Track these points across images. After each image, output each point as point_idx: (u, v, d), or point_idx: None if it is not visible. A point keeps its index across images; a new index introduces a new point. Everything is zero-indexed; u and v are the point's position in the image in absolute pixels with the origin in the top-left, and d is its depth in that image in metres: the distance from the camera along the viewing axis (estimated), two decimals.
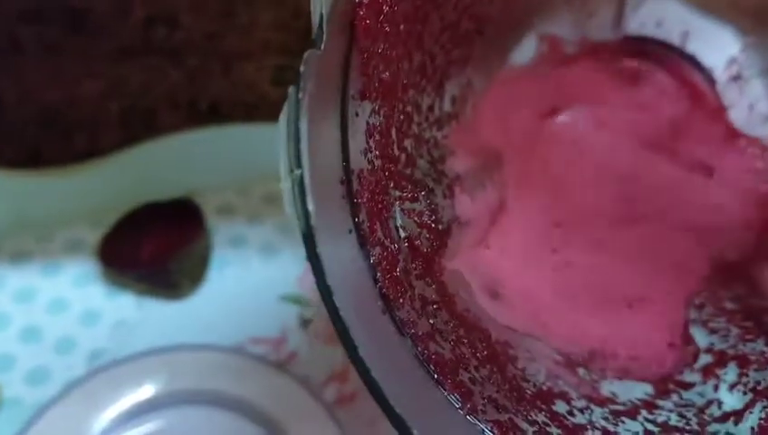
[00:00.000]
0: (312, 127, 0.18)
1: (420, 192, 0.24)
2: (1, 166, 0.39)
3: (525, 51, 0.34)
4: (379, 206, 0.21)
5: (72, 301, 0.41)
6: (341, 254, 0.19)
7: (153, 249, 0.41)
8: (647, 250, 0.31)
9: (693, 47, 0.34)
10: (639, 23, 0.34)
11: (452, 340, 0.22)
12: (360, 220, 0.19)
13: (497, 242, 0.31)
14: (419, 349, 0.20)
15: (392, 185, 0.22)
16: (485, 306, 0.28)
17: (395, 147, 0.23)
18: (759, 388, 0.25)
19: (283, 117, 0.18)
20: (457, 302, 0.25)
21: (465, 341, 0.23)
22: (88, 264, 0.42)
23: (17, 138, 0.39)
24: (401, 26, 0.22)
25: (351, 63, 0.19)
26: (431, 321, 0.22)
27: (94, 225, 0.42)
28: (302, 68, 0.17)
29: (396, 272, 0.21)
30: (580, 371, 0.27)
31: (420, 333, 0.21)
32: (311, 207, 0.17)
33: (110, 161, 0.40)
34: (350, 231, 0.19)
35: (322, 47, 0.18)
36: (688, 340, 0.29)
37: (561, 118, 0.34)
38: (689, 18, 0.33)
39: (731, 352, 0.26)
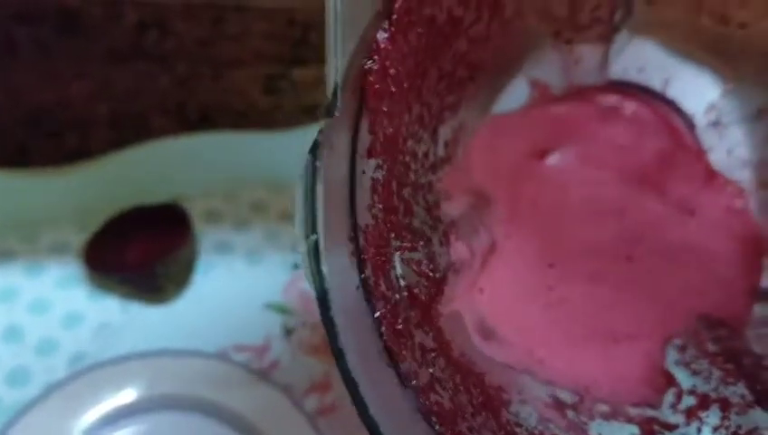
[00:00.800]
0: (325, 190, 0.18)
1: (419, 241, 0.25)
2: None
3: (515, 94, 0.35)
4: (383, 259, 0.22)
5: (54, 302, 0.40)
6: (350, 311, 0.19)
7: (139, 253, 0.41)
8: (634, 287, 0.32)
9: (673, 92, 0.35)
10: (622, 68, 0.35)
11: (450, 388, 0.23)
12: (367, 276, 0.20)
13: (489, 284, 0.31)
14: (421, 400, 0.21)
15: (393, 236, 0.23)
16: (481, 347, 0.28)
17: (395, 198, 0.24)
18: (740, 432, 0.26)
19: (300, 183, 0.18)
20: (453, 347, 0.25)
21: (462, 388, 0.24)
22: (72, 266, 0.41)
23: (6, 137, 0.39)
24: (404, 84, 0.23)
25: (360, 125, 0.20)
26: (431, 370, 0.22)
27: (80, 227, 0.42)
28: (318, 136, 0.18)
29: (398, 324, 0.21)
30: (570, 413, 0.28)
31: (421, 384, 0.21)
32: (325, 269, 0.18)
33: (98, 164, 0.40)
34: (358, 287, 0.20)
35: (336, 114, 0.19)
36: (671, 380, 0.30)
37: (549, 159, 0.35)
38: (670, 64, 0.34)
39: (713, 394, 0.27)
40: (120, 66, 0.39)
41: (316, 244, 0.18)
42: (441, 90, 0.28)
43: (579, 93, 0.35)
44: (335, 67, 0.18)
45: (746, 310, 0.31)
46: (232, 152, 0.42)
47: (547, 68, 0.34)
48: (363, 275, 0.20)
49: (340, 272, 0.19)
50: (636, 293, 0.32)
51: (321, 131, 0.18)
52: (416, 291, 0.24)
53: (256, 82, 0.41)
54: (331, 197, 0.19)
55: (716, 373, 0.28)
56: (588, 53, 0.33)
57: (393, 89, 0.21)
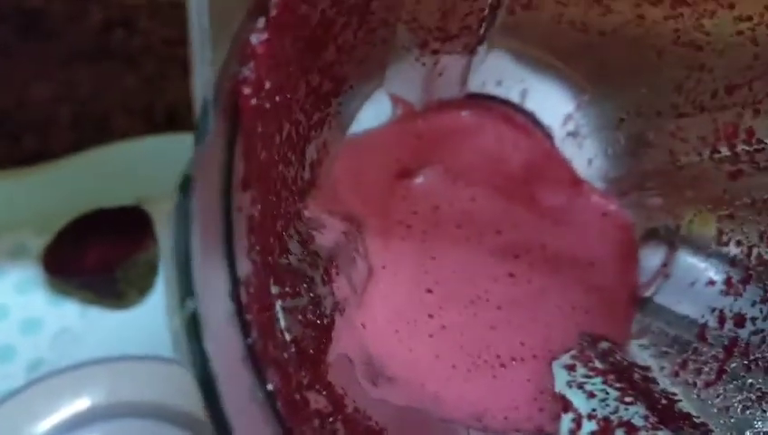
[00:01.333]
0: (200, 236, 0.14)
1: (301, 284, 0.21)
2: None
3: (375, 111, 0.33)
4: (267, 314, 0.17)
5: (13, 308, 0.40)
6: (238, 391, 0.15)
7: (98, 256, 0.39)
8: (517, 307, 0.31)
9: (531, 104, 0.34)
10: (481, 81, 0.34)
11: None
12: (253, 340, 0.16)
13: (370, 318, 0.28)
14: None
15: (272, 281, 0.19)
16: (372, 393, 0.25)
17: (270, 235, 0.19)
18: None
19: (168, 236, 0.13)
20: (347, 403, 0.22)
21: None
22: (31, 270, 0.41)
23: None
24: (276, 99, 0.19)
25: (235, 151, 0.16)
26: None
27: (39, 230, 0.41)
28: (190, 169, 0.13)
29: (293, 392, 0.17)
30: None
31: None
32: (209, 347, 0.13)
33: (58, 166, 0.39)
34: (243, 360, 0.15)
35: (208, 139, 0.14)
36: (566, 404, 0.28)
37: (417, 179, 0.33)
38: (527, 77, 0.34)
39: (615, 419, 0.26)
40: (84, 66, 0.39)
41: (195, 314, 0.13)
42: (308, 106, 0.25)
43: (440, 108, 0.34)
44: (203, 78, 0.14)
45: (627, 321, 0.30)
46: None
47: (408, 82, 0.33)
48: (249, 341, 0.15)
49: (221, 343, 0.14)
50: (519, 311, 0.31)
51: (192, 164, 0.13)
52: (303, 344, 0.20)
53: None
54: (205, 246, 0.14)
55: (613, 393, 0.27)
56: (451, 65, 0.32)
57: (267, 105, 0.17)
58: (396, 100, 0.33)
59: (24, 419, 0.34)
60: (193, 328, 0.13)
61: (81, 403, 0.35)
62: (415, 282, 0.30)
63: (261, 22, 0.16)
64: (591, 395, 0.28)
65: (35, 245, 0.41)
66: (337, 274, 0.25)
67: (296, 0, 0.18)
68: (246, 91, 0.16)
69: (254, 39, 0.16)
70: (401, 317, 0.30)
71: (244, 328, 0.16)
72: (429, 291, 0.30)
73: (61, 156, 0.39)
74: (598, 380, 0.28)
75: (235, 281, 0.15)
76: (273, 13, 0.16)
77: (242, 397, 0.15)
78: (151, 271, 0.41)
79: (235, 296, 0.16)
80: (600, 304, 0.31)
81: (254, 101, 0.17)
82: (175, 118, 0.42)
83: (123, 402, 0.35)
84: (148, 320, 0.39)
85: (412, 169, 0.33)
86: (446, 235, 0.32)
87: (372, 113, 0.33)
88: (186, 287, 0.13)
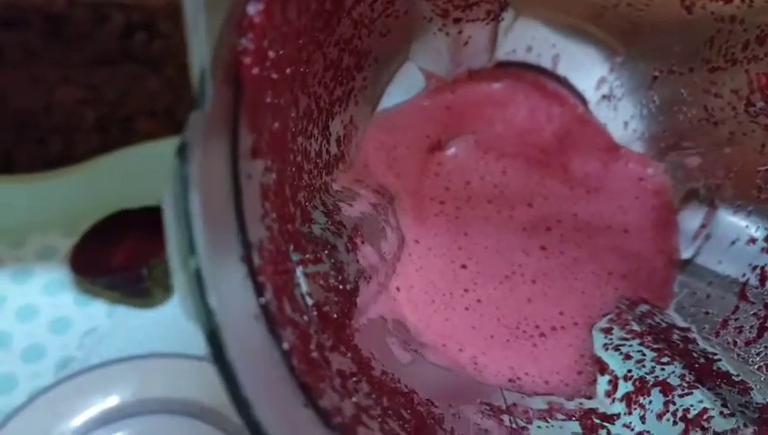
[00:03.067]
0: (203, 202, 0.14)
1: (323, 251, 0.21)
2: None
3: (405, 85, 0.33)
4: (284, 277, 0.18)
5: (42, 308, 0.40)
6: (250, 348, 0.15)
7: (125, 256, 0.40)
8: (552, 277, 0.31)
9: (563, 69, 0.34)
10: (511, 48, 0.33)
11: (378, 416, 0.20)
12: (267, 300, 0.16)
13: (405, 287, 0.29)
14: None
15: (293, 248, 0.19)
16: (404, 359, 0.26)
17: (290, 204, 0.20)
18: (689, 416, 0.24)
19: (168, 196, 0.14)
20: (374, 365, 0.22)
21: (391, 412, 0.21)
22: (59, 271, 0.41)
23: None
24: (287, 71, 0.19)
25: (240, 120, 0.16)
26: (354, 400, 0.19)
27: (67, 232, 0.42)
28: (186, 135, 0.14)
29: (311, 352, 0.18)
30: (505, 418, 0.25)
31: (347, 420, 0.18)
32: (213, 302, 0.14)
33: (84, 168, 0.40)
34: (257, 317, 0.16)
35: (206, 106, 0.15)
36: (603, 367, 0.28)
37: (448, 150, 0.33)
38: (558, 42, 0.33)
39: (651, 378, 0.26)
40: (108, 70, 0.40)
41: (198, 271, 0.14)
42: (328, 80, 0.25)
43: (469, 78, 0.34)
44: (200, 46, 0.14)
45: (667, 284, 0.30)
46: None
47: (435, 54, 0.32)
48: (263, 301, 0.16)
49: (232, 301, 0.15)
50: (554, 283, 0.31)
51: (187, 129, 0.14)
52: (326, 309, 0.20)
53: None
54: (211, 210, 0.15)
55: (650, 355, 0.27)
56: (476, 33, 0.32)
57: (275, 75, 0.18)
58: (426, 73, 0.33)
59: (54, 416, 0.34)
60: (197, 285, 0.14)
61: (111, 400, 0.35)
62: (449, 257, 0.31)
63: None
64: (628, 357, 0.28)
65: (63, 246, 0.42)
66: (362, 242, 0.26)
67: None
68: (247, 61, 0.17)
69: (251, 9, 0.17)
70: (437, 289, 0.30)
71: (258, 288, 0.16)
72: (464, 266, 0.31)
73: (86, 158, 0.40)
74: (635, 342, 0.28)
75: (246, 244, 0.16)
76: None
77: (254, 355, 0.16)
78: None
79: (246, 259, 0.16)
80: (638, 269, 0.31)
81: (256, 71, 0.17)
82: None
83: (151, 399, 0.35)
84: (174, 319, 0.40)
85: (443, 141, 0.33)
86: (478, 210, 0.32)
87: (403, 87, 0.33)
88: (187, 246, 0.14)
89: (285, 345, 0.16)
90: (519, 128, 0.33)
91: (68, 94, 0.40)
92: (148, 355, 0.36)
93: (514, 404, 0.26)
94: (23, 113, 0.40)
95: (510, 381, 0.28)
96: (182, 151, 0.14)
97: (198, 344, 0.38)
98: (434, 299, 0.29)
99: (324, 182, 0.26)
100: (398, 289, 0.29)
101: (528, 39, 0.33)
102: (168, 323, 0.40)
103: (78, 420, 0.35)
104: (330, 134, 0.27)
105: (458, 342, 0.28)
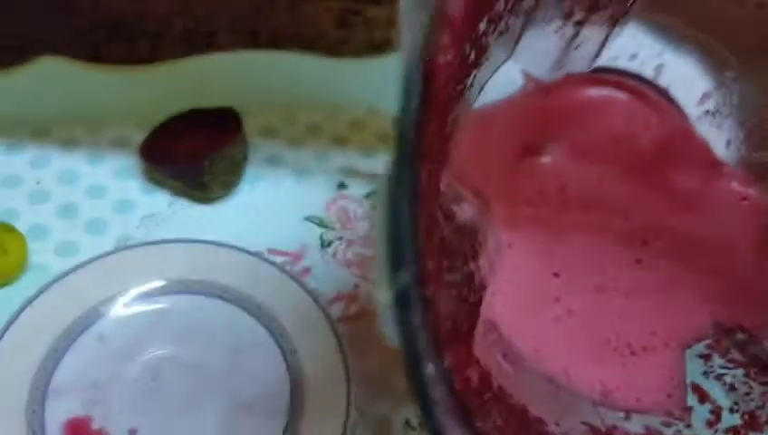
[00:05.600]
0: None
1: (457, 259, 0.21)
2: (65, 58, 0.42)
3: (505, 86, 0.32)
4: (438, 286, 0.17)
5: (110, 189, 0.44)
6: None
7: (189, 148, 0.43)
8: (645, 294, 0.30)
9: (666, 80, 0.33)
10: (614, 55, 0.33)
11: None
12: (433, 321, 0.16)
13: (500, 290, 0.29)
14: None
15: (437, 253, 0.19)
16: (505, 367, 0.25)
17: (436, 208, 0.19)
18: None
19: (380, 212, 0.13)
20: (492, 380, 0.22)
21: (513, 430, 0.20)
22: (130, 159, 0.44)
23: (85, 37, 0.43)
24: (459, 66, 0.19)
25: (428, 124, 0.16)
26: (497, 421, 0.18)
27: (141, 124, 0.45)
28: (396, 154, 0.13)
29: (464, 369, 0.17)
30: None
31: None
32: (416, 320, 0.13)
33: (166, 67, 0.44)
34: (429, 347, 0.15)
35: (413, 105, 0.14)
36: (702, 395, 0.27)
37: (542, 153, 0.33)
38: (665, 51, 0.33)
39: (762, 414, 0.25)
40: None
41: (406, 287, 0.13)
42: (458, 77, 0.25)
43: (567, 81, 0.33)
44: (410, 46, 0.14)
45: (766, 312, 0.28)
46: (296, 73, 0.45)
47: (539, 56, 0.32)
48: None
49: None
50: (647, 300, 0.30)
51: (398, 133, 0.13)
52: (459, 321, 0.20)
53: (330, 14, 0.43)
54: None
55: (758, 389, 0.25)
56: (591, 37, 0.31)
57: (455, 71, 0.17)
58: (525, 74, 0.32)
59: (106, 279, 0.38)
60: (404, 303, 0.13)
61: (158, 275, 0.38)
62: (541, 264, 0.30)
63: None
64: (732, 388, 0.27)
65: (136, 137, 0.45)
66: (480, 249, 0.25)
67: None
68: (441, 59, 0.16)
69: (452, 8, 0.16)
70: (528, 296, 0.30)
71: (425, 307, 0.16)
72: (556, 275, 0.30)
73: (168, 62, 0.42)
74: (739, 372, 0.27)
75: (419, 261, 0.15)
76: None
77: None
78: (235, 167, 0.44)
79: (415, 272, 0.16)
80: (736, 293, 0.30)
81: (446, 63, 0.17)
82: (276, 43, 0.43)
83: (195, 281, 0.38)
84: (228, 215, 0.43)
85: (537, 144, 0.32)
86: (572, 217, 0.31)
87: (500, 87, 0.32)
88: (398, 260, 0.13)
89: (446, 363, 0.16)
90: (616, 135, 0.32)
91: (161, 4, 0.42)
92: (199, 240, 0.39)
93: (614, 426, 0.26)
94: (116, 15, 0.43)
95: (602, 394, 0.28)
96: (399, 164, 0.13)
97: (247, 241, 0.41)
98: (525, 306, 0.29)
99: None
100: (494, 294, 0.28)
101: (634, 46, 0.32)
102: (221, 219, 0.43)
103: (125, 288, 0.38)
104: (445, 132, 0.26)
105: (549, 351, 0.28)
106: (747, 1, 0.28)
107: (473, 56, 0.21)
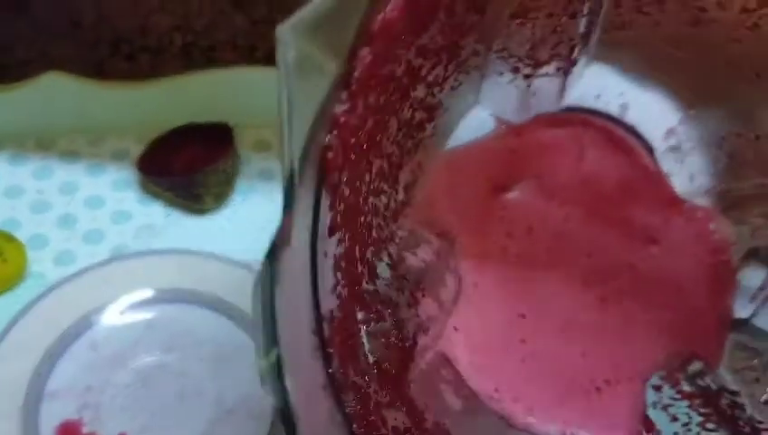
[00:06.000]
0: (284, 291, 0.16)
1: (386, 310, 0.23)
2: (69, 72, 0.44)
3: (472, 126, 0.33)
4: (350, 342, 0.20)
5: (108, 200, 0.46)
6: (317, 416, 0.17)
7: (185, 162, 0.45)
8: (608, 331, 0.31)
9: (631, 118, 0.34)
10: (579, 95, 0.33)
11: None
12: (334, 369, 0.18)
13: (462, 326, 0.30)
14: None
15: (358, 308, 0.21)
16: (456, 405, 0.27)
17: (358, 264, 0.22)
18: None
19: (256, 293, 0.16)
20: (426, 417, 0.24)
21: None
22: (128, 171, 0.47)
23: (89, 52, 0.46)
24: (364, 146, 0.21)
25: (321, 207, 0.18)
26: None
27: (141, 138, 0.47)
28: (276, 238, 0.16)
29: (370, 414, 0.19)
30: None
31: None
32: (289, 384, 0.16)
33: (166, 83, 0.46)
34: (325, 387, 0.18)
35: (295, 206, 0.16)
36: (648, 426, 0.29)
37: (511, 193, 0.33)
38: (628, 90, 0.33)
39: None
40: (199, 3, 0.44)
41: (278, 358, 0.16)
42: (401, 138, 0.26)
43: (536, 122, 0.34)
44: (291, 148, 0.16)
45: (720, 343, 0.30)
46: None
47: (503, 101, 0.33)
48: (330, 370, 0.18)
49: (303, 373, 0.17)
50: (609, 336, 0.31)
51: (279, 231, 0.16)
52: (385, 365, 0.22)
53: None
54: (290, 295, 0.16)
55: (695, 419, 0.27)
56: (545, 85, 0.32)
57: (353, 156, 0.19)
58: (495, 117, 0.33)
59: (101, 287, 0.39)
60: (277, 371, 0.16)
61: (148, 285, 0.40)
62: (508, 305, 0.31)
63: (344, 93, 0.18)
64: (674, 419, 0.28)
65: (135, 150, 0.47)
66: (423, 296, 0.27)
67: (376, 67, 0.20)
68: (330, 155, 0.18)
69: (338, 109, 0.18)
70: (493, 336, 0.30)
71: (327, 359, 0.18)
72: (522, 316, 0.31)
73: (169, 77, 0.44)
74: (683, 403, 0.28)
75: (318, 320, 0.18)
76: (356, 85, 0.18)
77: (322, 420, 0.17)
78: (227, 180, 0.46)
79: (318, 332, 0.18)
80: (691, 325, 0.31)
81: (337, 162, 0.19)
82: (274, 59, 0.45)
83: (184, 290, 0.40)
84: (220, 226, 0.45)
85: (507, 185, 0.33)
86: (539, 258, 0.32)
87: (471, 129, 0.33)
88: (270, 339, 0.16)
89: (348, 409, 0.18)
90: (583, 175, 0.33)
91: (162, 19, 0.44)
92: (190, 251, 0.41)
93: None
94: (118, 32, 0.45)
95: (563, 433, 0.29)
96: (272, 253, 0.16)
97: (235, 250, 0.42)
98: (490, 346, 0.30)
99: (391, 231, 0.27)
100: (455, 329, 0.30)
101: (598, 87, 0.33)
102: (214, 230, 0.45)
103: (117, 297, 0.39)
104: (398, 184, 0.28)
105: (512, 392, 0.29)
106: (685, 46, 0.29)
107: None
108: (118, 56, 0.47)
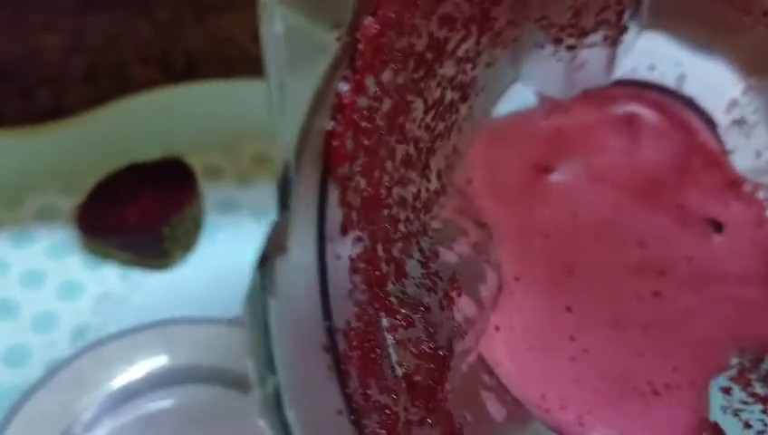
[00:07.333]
0: (281, 306, 0.14)
1: (415, 314, 0.20)
2: None
3: (514, 99, 0.31)
4: (372, 356, 0.17)
5: (48, 273, 0.37)
6: None
7: (140, 214, 0.37)
8: (665, 327, 0.29)
9: (690, 89, 0.31)
10: (631, 67, 0.31)
11: None
12: (352, 390, 0.15)
13: (504, 325, 0.28)
14: None
15: (384, 314, 0.18)
16: (499, 416, 0.25)
17: (383, 264, 0.19)
18: None
19: (247, 314, 0.13)
20: (466, 431, 0.21)
21: None
22: (63, 232, 0.38)
23: None
24: (383, 130, 0.18)
25: (327, 204, 0.15)
26: None
27: (67, 189, 0.39)
28: (266, 247, 0.13)
29: None
30: None
31: None
32: (291, 416, 0.13)
33: (78, 120, 0.38)
34: (341, 412, 0.15)
35: (291, 205, 0.14)
36: (717, 432, 0.26)
37: (556, 175, 0.31)
38: (684, 59, 0.31)
39: None
40: (96, 15, 0.37)
41: (277, 388, 0.13)
42: (429, 121, 0.24)
43: (584, 99, 0.31)
44: (285, 140, 0.13)
45: None
46: (226, 102, 0.39)
47: (546, 76, 0.30)
48: (348, 391, 0.15)
49: (314, 401, 0.14)
50: (667, 334, 0.28)
51: (271, 236, 0.13)
52: (416, 378, 0.19)
53: (246, 27, 0.38)
54: (289, 308, 0.14)
55: None
56: (592, 57, 0.30)
57: (366, 142, 0.17)
58: (538, 94, 0.31)
59: (76, 390, 0.32)
60: (276, 402, 0.13)
61: (135, 371, 0.33)
62: (552, 298, 0.29)
63: (348, 71, 0.15)
64: (747, 425, 0.25)
65: (64, 205, 0.39)
66: (459, 295, 0.25)
67: (387, 39, 0.17)
68: (335, 142, 0.16)
69: (342, 88, 0.16)
70: (537, 334, 0.28)
71: (342, 378, 0.16)
72: (569, 310, 0.29)
73: (77, 110, 0.37)
74: (756, 407, 0.26)
75: (330, 333, 0.15)
76: (362, 60, 0.16)
77: None
78: (196, 227, 0.38)
79: (331, 348, 0.15)
80: (759, 320, 0.28)
81: (344, 150, 0.16)
82: (194, 65, 0.38)
83: (178, 367, 0.33)
84: (191, 280, 0.37)
85: (550, 165, 0.31)
86: (585, 246, 0.30)
87: (512, 103, 0.31)
88: (266, 363, 0.14)
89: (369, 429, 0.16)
90: (634, 156, 0.31)
91: (53, 41, 0.37)
92: (172, 320, 0.34)
93: None
94: (5, 63, 0.37)
95: None
96: (263, 262, 0.13)
97: (218, 305, 0.34)
98: (533, 346, 0.28)
99: (423, 223, 0.25)
100: (497, 328, 0.27)
101: (651, 56, 0.31)
102: (185, 285, 0.37)
103: (103, 393, 0.32)
104: (430, 171, 0.25)
105: (560, 397, 0.27)
106: (753, 9, 0.27)
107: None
108: (9, 96, 0.38)
